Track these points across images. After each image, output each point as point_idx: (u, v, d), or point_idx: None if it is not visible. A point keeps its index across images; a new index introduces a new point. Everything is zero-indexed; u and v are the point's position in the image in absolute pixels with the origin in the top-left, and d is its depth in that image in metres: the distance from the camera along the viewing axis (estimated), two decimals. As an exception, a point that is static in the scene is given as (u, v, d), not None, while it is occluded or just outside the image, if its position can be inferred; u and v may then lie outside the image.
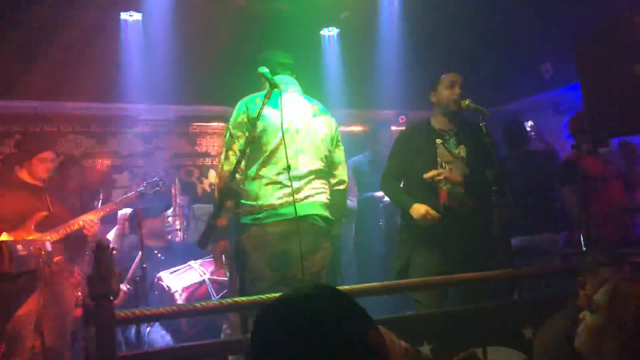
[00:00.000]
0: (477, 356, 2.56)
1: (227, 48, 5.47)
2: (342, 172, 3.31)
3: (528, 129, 5.14)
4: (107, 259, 1.91)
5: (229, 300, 2.29)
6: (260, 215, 2.95)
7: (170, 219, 5.20)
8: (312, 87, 5.90)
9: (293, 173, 2.96)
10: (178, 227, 5.43)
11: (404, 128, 6.10)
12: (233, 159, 2.98)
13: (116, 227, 4.78)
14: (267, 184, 2.99)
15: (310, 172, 3.10)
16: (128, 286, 4.10)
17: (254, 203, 2.98)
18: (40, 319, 3.78)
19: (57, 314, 3.88)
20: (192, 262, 4.25)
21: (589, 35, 3.29)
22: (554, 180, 4.54)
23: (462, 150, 3.43)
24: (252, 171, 3.03)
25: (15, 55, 5.19)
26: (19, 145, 4.55)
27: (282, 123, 2.95)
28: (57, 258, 3.83)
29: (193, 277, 4.13)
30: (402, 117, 6.69)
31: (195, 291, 4.08)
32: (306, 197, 3.04)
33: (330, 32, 6.31)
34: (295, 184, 2.97)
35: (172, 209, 5.35)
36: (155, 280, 4.09)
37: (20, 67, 5.15)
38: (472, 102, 3.37)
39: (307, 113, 3.18)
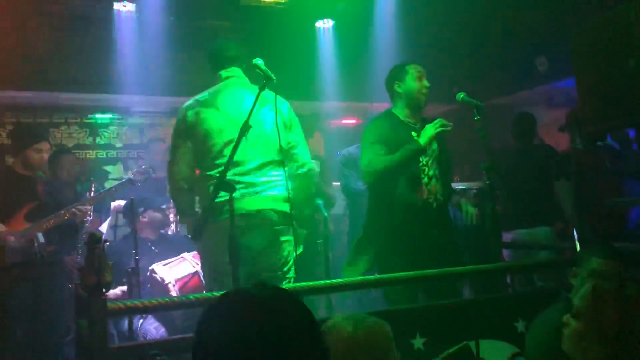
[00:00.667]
0: (470, 349, 2.57)
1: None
2: (301, 155, 3.20)
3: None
4: (99, 250, 1.90)
5: (221, 292, 2.28)
6: (215, 213, 2.90)
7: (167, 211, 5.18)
8: (307, 80, 5.96)
9: (243, 168, 2.96)
10: (172, 219, 5.42)
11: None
12: (182, 166, 3.07)
13: (109, 218, 4.76)
14: (221, 182, 2.98)
15: (262, 165, 3.06)
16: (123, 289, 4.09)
17: (215, 201, 2.98)
18: (32, 311, 3.78)
19: (49, 305, 3.87)
20: (185, 254, 4.24)
21: (585, 29, 3.28)
22: (552, 174, 4.57)
23: (433, 144, 3.38)
24: (202, 171, 3.06)
25: (7, 46, 5.14)
26: (14, 135, 4.52)
27: (227, 119, 3.00)
28: (49, 248, 3.82)
29: (186, 268, 4.12)
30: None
31: (189, 282, 4.08)
32: (258, 192, 3.01)
33: (325, 24, 6.28)
34: (247, 179, 2.97)
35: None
36: (148, 273, 4.08)
37: (12, 58, 5.11)
38: (466, 96, 3.36)
39: (249, 105, 3.14)
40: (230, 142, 2.96)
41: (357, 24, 6.10)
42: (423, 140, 3.24)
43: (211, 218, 2.81)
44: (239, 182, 2.91)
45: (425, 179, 3.32)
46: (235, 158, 2.79)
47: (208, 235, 2.77)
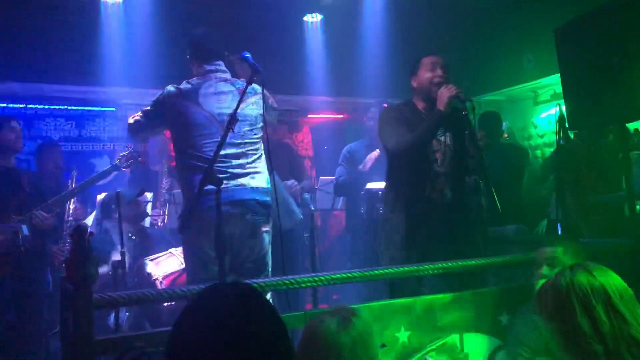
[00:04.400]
0: (454, 342, 2.60)
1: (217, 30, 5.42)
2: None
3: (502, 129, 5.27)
4: (84, 243, 1.90)
5: (210, 285, 2.28)
6: (199, 202, 2.94)
7: (150, 204, 5.16)
8: (294, 74, 5.95)
9: (225, 160, 3.00)
10: (161, 212, 5.41)
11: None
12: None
13: (95, 211, 4.74)
14: (200, 173, 3.00)
15: (244, 156, 3.11)
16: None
17: (194, 192, 3.00)
18: (17, 304, 3.76)
19: (34, 298, 3.85)
20: (173, 250, 4.23)
21: (569, 26, 3.31)
22: (522, 173, 4.63)
23: (448, 138, 3.38)
24: (185, 161, 3.10)
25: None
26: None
27: (208, 114, 3.06)
28: (34, 241, 3.80)
29: (174, 264, 4.12)
30: (385, 104, 6.69)
31: (177, 279, 4.07)
32: (241, 184, 3.05)
33: (313, 19, 6.27)
34: (230, 170, 3.02)
35: (152, 194, 5.31)
36: (136, 268, 4.07)
37: (-3, 49, 5.06)
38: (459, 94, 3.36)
39: (233, 98, 3.15)
40: (209, 135, 3.03)
41: (345, 18, 6.09)
42: (441, 105, 3.10)
43: (196, 208, 2.83)
44: (223, 172, 2.93)
45: (433, 175, 3.28)
46: (219, 151, 2.82)
47: (192, 224, 2.78)
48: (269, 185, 3.18)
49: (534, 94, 6.78)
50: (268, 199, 3.14)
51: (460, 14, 5.95)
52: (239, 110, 2.85)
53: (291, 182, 4.37)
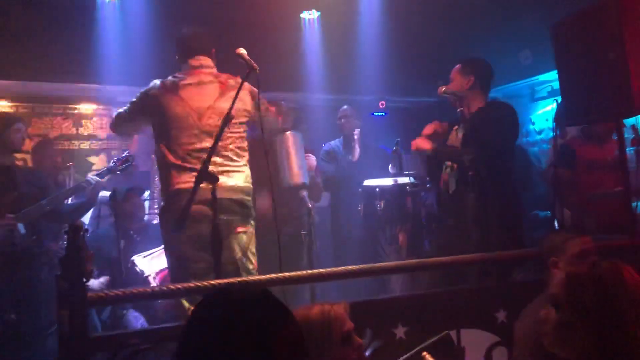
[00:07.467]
0: (450, 338, 2.60)
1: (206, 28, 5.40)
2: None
3: None
4: (79, 240, 1.90)
5: (205, 282, 2.28)
6: (174, 200, 2.93)
7: (146, 202, 5.16)
8: (291, 71, 5.93)
9: (202, 156, 2.91)
10: (157, 209, 5.40)
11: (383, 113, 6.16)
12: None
13: (93, 209, 4.73)
14: (178, 170, 3.01)
15: (222, 154, 3.08)
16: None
17: (168, 188, 3.01)
18: (15, 302, 3.75)
19: (31, 296, 3.85)
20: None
21: (566, 22, 3.30)
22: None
23: (460, 133, 3.47)
24: (163, 157, 3.08)
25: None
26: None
27: (192, 110, 3.07)
28: (32, 239, 3.79)
29: (166, 260, 4.12)
30: (382, 102, 6.70)
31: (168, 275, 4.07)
32: (216, 181, 3.00)
33: (310, 16, 6.26)
34: (211, 167, 2.89)
35: (148, 191, 5.30)
36: (129, 264, 4.07)
37: (-7, 47, 5.05)
38: (448, 89, 3.41)
39: (214, 93, 3.16)
40: (186, 127, 3.04)
41: (343, 15, 6.08)
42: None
43: (170, 206, 2.84)
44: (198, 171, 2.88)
45: (443, 169, 3.49)
46: (195, 146, 2.82)
47: (167, 223, 2.78)
48: (248, 184, 3.14)
49: (531, 90, 6.77)
50: (246, 197, 3.10)
51: (457, 11, 5.94)
52: (212, 106, 2.87)
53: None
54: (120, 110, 3.33)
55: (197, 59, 3.24)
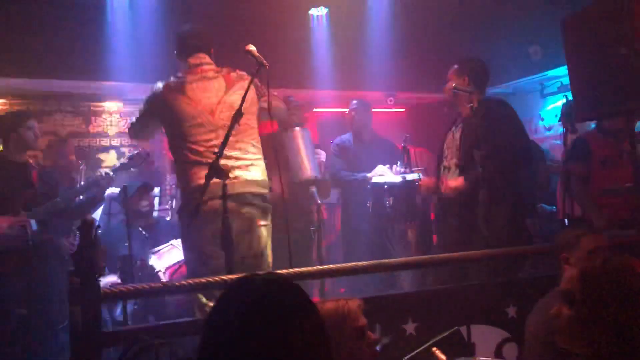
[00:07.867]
0: (460, 334, 2.60)
1: (214, 26, 5.41)
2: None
3: None
4: (92, 236, 1.91)
5: (215, 277, 2.29)
6: (195, 196, 2.92)
7: (157, 199, 5.18)
8: (300, 68, 5.93)
9: (217, 152, 2.87)
10: (168, 206, 5.43)
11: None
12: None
13: (103, 205, 4.76)
14: (194, 166, 3.03)
15: (241, 149, 3.09)
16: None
17: (189, 184, 3.02)
18: (26, 298, 3.78)
19: (43, 292, 3.87)
20: (173, 241, 4.25)
21: (576, 17, 3.28)
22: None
23: (457, 133, 3.47)
24: (179, 155, 3.11)
25: (-1, 33, 5.10)
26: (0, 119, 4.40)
27: (198, 107, 3.09)
28: (44, 236, 3.81)
29: (176, 256, 4.14)
30: (391, 98, 6.68)
31: (178, 269, 4.09)
32: (236, 176, 3.01)
33: (319, 12, 6.25)
34: (229, 162, 2.95)
35: (158, 188, 5.32)
36: (139, 262, 4.09)
37: (4, 45, 5.07)
38: (457, 86, 3.40)
39: (220, 88, 3.18)
40: (200, 125, 3.06)
41: (351, 12, 6.07)
42: None
43: (189, 203, 2.85)
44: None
45: (440, 170, 3.53)
46: (213, 142, 2.83)
47: (189, 217, 2.79)
48: (265, 177, 3.16)
49: (540, 86, 6.74)
50: (265, 191, 3.12)
51: (467, 6, 5.91)
52: (220, 101, 2.87)
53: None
54: (133, 120, 3.43)
55: (196, 57, 3.26)
